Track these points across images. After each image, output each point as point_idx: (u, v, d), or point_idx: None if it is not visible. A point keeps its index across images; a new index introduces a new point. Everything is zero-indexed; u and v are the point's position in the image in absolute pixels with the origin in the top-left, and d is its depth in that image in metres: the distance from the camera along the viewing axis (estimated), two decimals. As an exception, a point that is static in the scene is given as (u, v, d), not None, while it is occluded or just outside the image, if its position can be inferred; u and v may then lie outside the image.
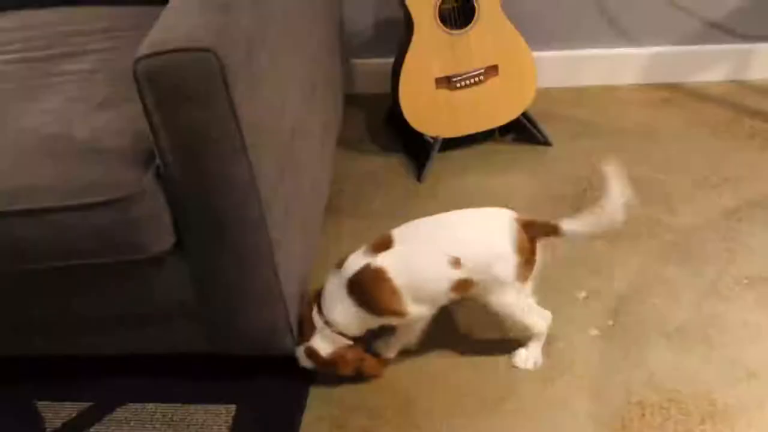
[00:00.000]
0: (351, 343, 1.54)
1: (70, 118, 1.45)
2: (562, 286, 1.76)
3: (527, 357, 1.59)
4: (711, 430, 1.43)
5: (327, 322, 1.51)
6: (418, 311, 1.50)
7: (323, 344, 1.52)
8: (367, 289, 1.47)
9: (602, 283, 1.76)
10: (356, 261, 1.48)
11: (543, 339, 1.58)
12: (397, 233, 1.50)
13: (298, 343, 1.54)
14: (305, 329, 1.53)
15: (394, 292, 1.45)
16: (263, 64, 1.36)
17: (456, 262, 1.44)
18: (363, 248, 1.50)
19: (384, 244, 1.48)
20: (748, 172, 2.06)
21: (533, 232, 1.46)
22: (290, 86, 1.58)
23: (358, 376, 1.58)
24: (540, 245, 1.48)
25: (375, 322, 1.53)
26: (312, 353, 1.53)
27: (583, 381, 1.55)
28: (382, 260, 1.46)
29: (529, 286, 1.50)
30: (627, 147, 2.20)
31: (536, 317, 1.55)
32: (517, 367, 1.59)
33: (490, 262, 1.45)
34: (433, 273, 1.46)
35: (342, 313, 1.50)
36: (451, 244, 1.46)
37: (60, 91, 1.54)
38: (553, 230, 1.46)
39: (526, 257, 1.45)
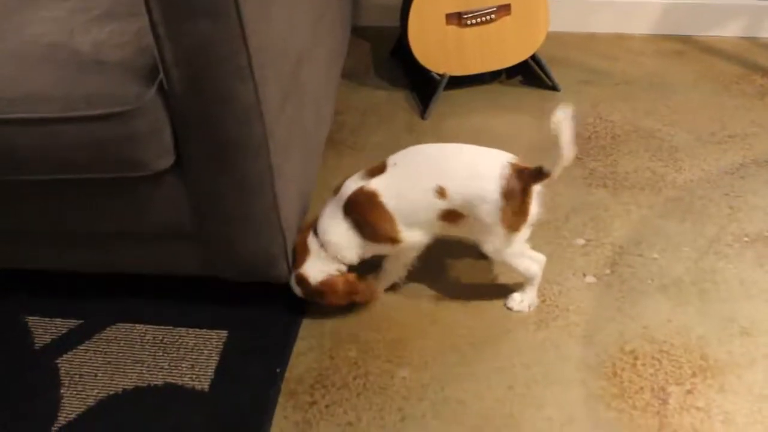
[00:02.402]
0: (345, 269, 1.54)
1: (71, 28, 1.41)
2: (561, 232, 1.75)
3: (522, 300, 1.58)
4: (701, 384, 1.43)
5: (323, 245, 1.51)
6: (411, 237, 1.50)
7: (316, 269, 1.52)
8: (361, 211, 1.48)
9: (602, 232, 1.75)
10: (352, 184, 1.50)
11: (537, 282, 1.57)
12: (392, 159, 1.50)
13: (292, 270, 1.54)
14: (298, 256, 1.53)
15: (386, 215, 1.46)
16: (274, -17, 1.32)
17: (441, 192, 1.43)
18: (360, 173, 1.51)
19: (379, 168, 1.50)
20: (755, 129, 2.03)
21: (527, 179, 1.41)
22: (299, 11, 1.53)
23: (350, 305, 1.57)
24: (535, 196, 1.44)
25: (369, 248, 1.53)
26: (302, 279, 1.53)
27: (577, 327, 1.55)
28: (376, 183, 1.47)
29: (522, 234, 1.48)
30: (635, 97, 2.17)
31: (528, 261, 1.53)
32: (511, 309, 1.58)
33: (474, 201, 1.43)
34: (420, 199, 1.46)
35: (337, 234, 1.50)
36: (439, 174, 1.45)
37: (62, 0, 1.49)
38: (545, 175, 1.40)
39: (516, 205, 1.42)
